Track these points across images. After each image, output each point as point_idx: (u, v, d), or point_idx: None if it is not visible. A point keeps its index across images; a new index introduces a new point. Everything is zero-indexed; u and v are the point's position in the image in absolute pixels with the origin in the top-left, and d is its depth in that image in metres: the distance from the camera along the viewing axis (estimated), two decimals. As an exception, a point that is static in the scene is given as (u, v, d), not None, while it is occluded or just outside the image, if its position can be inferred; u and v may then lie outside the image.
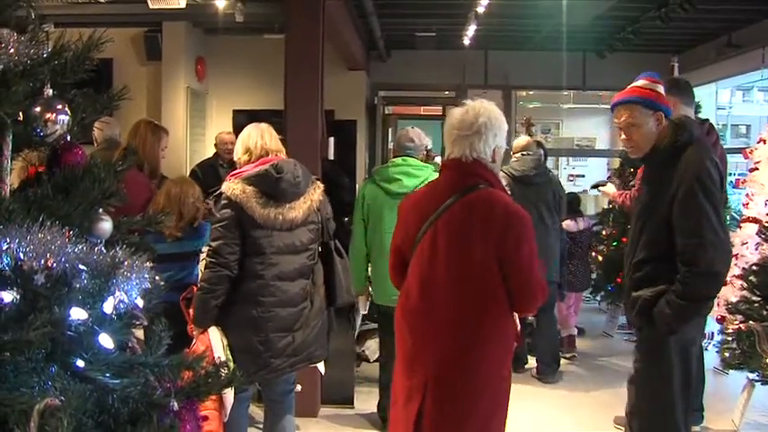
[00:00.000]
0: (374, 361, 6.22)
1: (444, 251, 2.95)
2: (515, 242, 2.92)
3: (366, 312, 5.49)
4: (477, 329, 2.93)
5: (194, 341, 3.68)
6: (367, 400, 5.61)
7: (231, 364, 3.47)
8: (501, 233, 2.91)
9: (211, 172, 7.44)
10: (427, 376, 2.93)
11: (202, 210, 4.37)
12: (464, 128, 3.06)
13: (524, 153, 6.53)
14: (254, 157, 3.86)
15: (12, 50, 1.70)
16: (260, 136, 3.90)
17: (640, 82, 3.63)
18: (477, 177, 3.02)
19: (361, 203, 5.07)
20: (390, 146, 13.92)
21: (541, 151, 6.67)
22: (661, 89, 3.56)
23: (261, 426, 4.23)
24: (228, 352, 3.66)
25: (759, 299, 5.01)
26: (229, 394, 3.58)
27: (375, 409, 5.30)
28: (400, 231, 3.21)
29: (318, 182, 4.03)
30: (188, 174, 7.75)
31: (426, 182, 4.70)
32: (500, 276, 2.91)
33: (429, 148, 5.23)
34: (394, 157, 5.17)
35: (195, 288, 3.84)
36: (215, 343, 3.62)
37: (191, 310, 3.77)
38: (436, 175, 4.69)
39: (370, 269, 5.15)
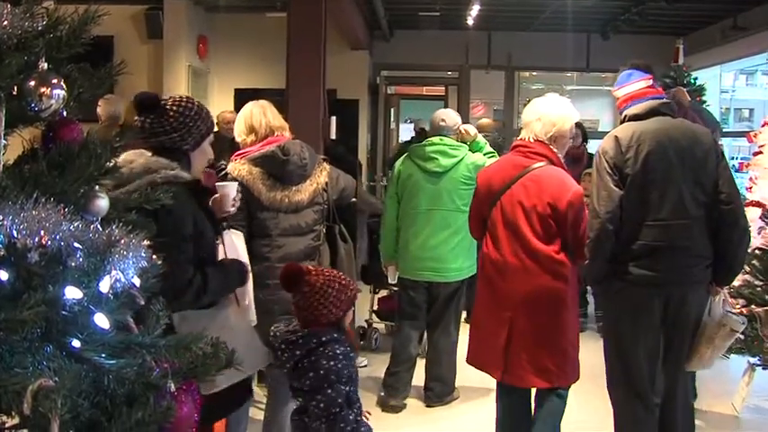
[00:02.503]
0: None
1: (521, 214, 3.68)
2: (570, 210, 3.64)
3: (395, 282, 5.60)
4: (546, 271, 3.66)
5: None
6: (363, 371, 5.57)
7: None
8: (557, 202, 3.63)
9: (214, 151, 7.38)
10: (512, 310, 3.70)
11: None
12: (529, 115, 3.82)
13: (485, 134, 6.98)
14: (260, 137, 3.80)
15: (5, 23, 1.66)
16: (263, 114, 3.84)
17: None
18: (539, 156, 3.73)
19: (396, 179, 5.26)
20: (392, 126, 13.91)
21: (497, 133, 7.78)
22: (624, 90, 3.82)
23: (262, 406, 4.21)
24: None
25: (762, 283, 5.00)
26: None
27: (372, 382, 5.38)
28: (479, 195, 3.93)
29: (325, 163, 3.99)
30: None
31: (462, 161, 5.11)
32: (560, 233, 3.67)
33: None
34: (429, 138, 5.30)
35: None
36: None
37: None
38: (473, 155, 5.17)
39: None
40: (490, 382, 4.02)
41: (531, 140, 3.77)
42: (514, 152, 3.84)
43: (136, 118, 2.81)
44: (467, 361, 4.00)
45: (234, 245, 2.94)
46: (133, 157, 2.68)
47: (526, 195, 3.67)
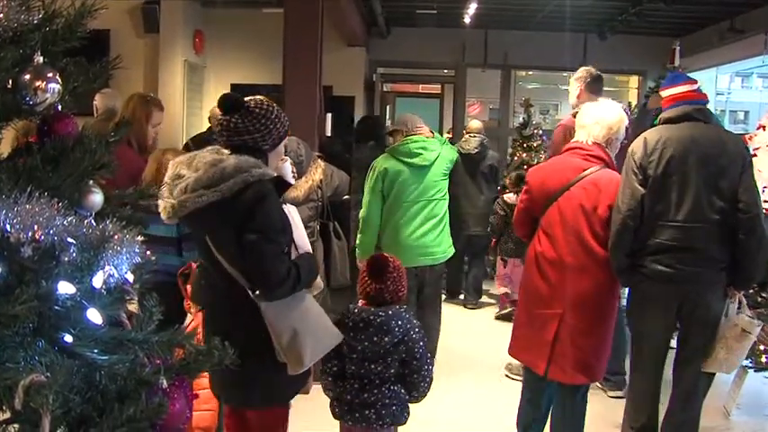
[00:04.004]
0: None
1: (582, 216, 3.81)
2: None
3: None
4: (602, 271, 3.81)
5: (191, 318, 3.63)
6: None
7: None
8: (612, 201, 3.80)
9: (204, 146, 7.35)
10: (564, 307, 3.84)
11: None
12: (586, 119, 3.96)
13: (472, 135, 8.10)
14: None
15: (1, 15, 1.65)
16: None
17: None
18: (596, 159, 3.87)
19: (381, 177, 5.33)
20: (388, 122, 13.90)
21: (484, 135, 8.22)
22: (668, 92, 3.99)
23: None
24: None
25: (755, 286, 5.00)
26: None
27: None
28: (533, 195, 4.03)
29: (320, 160, 3.99)
30: (182, 147, 7.70)
31: (441, 155, 5.49)
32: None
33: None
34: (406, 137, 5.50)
35: (193, 265, 3.79)
36: None
37: (188, 287, 3.72)
38: (446, 150, 5.52)
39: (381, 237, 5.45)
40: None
41: (589, 143, 3.92)
42: (571, 154, 3.98)
43: (219, 117, 2.91)
44: (509, 353, 4.18)
45: (294, 219, 3.01)
46: (218, 156, 2.81)
47: (587, 198, 3.82)
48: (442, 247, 5.52)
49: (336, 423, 3.43)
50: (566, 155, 4.03)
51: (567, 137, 5.06)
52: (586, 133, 3.95)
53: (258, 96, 3.02)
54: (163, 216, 2.81)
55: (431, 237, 5.43)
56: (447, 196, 5.61)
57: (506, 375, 5.80)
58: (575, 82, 5.39)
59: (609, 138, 3.92)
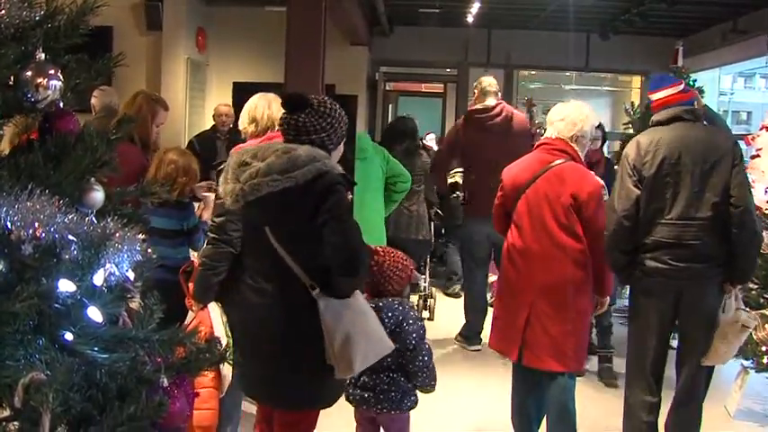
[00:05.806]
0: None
1: (546, 206, 3.96)
2: (591, 201, 3.92)
3: None
4: (568, 259, 3.93)
5: (193, 316, 3.62)
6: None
7: (229, 341, 3.40)
8: (579, 193, 3.90)
9: (209, 144, 7.38)
10: (534, 294, 3.97)
11: (192, 186, 4.28)
12: (554, 115, 4.14)
13: None
14: (261, 128, 3.81)
15: (3, 12, 1.65)
16: (267, 106, 3.84)
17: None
18: (562, 153, 4.03)
19: None
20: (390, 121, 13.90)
21: None
22: (657, 95, 4.10)
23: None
24: (228, 329, 3.58)
25: (756, 287, 5.00)
26: (227, 371, 3.52)
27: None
28: (505, 191, 4.20)
29: None
30: (185, 145, 7.70)
31: None
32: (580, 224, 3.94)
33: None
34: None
35: (195, 262, 3.78)
36: (215, 320, 3.54)
37: (190, 284, 3.71)
38: None
39: None
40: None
41: (554, 137, 4.09)
42: (539, 150, 4.16)
43: (284, 114, 2.93)
44: (489, 344, 4.33)
45: None
46: (290, 145, 2.85)
47: (551, 188, 3.97)
48: None
49: (346, 425, 3.52)
50: (535, 152, 4.21)
51: (459, 133, 6.28)
52: (554, 129, 4.13)
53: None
54: (228, 201, 2.84)
55: None
56: None
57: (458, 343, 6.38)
58: (474, 90, 6.49)
59: (574, 134, 4.07)
